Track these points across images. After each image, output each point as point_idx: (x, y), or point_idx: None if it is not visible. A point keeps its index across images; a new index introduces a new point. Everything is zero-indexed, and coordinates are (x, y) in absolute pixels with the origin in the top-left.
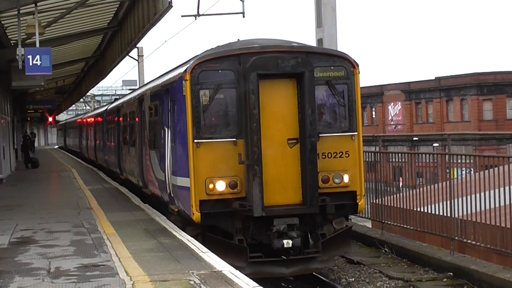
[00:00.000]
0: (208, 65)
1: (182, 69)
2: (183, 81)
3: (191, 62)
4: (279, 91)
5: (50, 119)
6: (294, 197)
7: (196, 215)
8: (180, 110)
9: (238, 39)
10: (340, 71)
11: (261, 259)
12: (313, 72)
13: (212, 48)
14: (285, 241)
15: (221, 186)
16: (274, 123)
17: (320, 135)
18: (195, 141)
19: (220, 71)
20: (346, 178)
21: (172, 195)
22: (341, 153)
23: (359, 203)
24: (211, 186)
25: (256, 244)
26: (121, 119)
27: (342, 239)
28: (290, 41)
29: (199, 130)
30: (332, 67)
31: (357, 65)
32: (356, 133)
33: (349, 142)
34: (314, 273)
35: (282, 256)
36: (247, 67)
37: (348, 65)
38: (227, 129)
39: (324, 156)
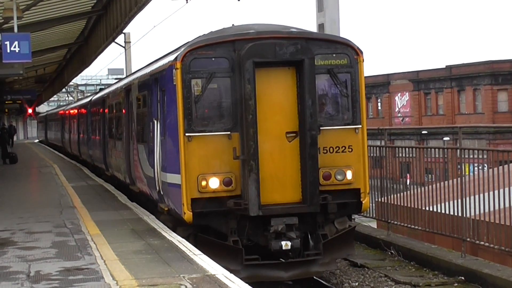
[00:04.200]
0: (200, 52)
1: (172, 57)
2: (174, 70)
3: (182, 49)
4: (277, 80)
5: (30, 110)
6: (293, 195)
7: (187, 215)
8: (170, 101)
9: (233, 25)
10: (343, 59)
11: (258, 261)
12: (314, 60)
13: (204, 34)
14: (283, 243)
15: (214, 183)
16: (271, 115)
17: (321, 128)
18: (187, 134)
19: (213, 58)
20: (349, 175)
21: (162, 193)
22: (343, 148)
23: (363, 202)
24: (203, 183)
25: (252, 246)
26: (106, 110)
27: (344, 240)
28: (289, 26)
29: (191, 123)
30: (334, 55)
31: (361, 52)
32: (360, 126)
33: (352, 135)
34: (314, 277)
35: (280, 259)
36: (242, 54)
37: (351, 52)
38: (221, 121)
39: (325, 151)
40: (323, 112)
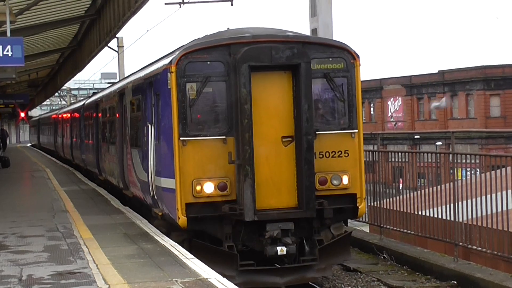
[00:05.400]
0: (195, 56)
1: (167, 60)
2: (168, 73)
3: (177, 52)
4: (273, 84)
5: (22, 114)
6: (289, 200)
7: (182, 220)
8: (164, 105)
9: (228, 28)
10: (339, 63)
11: (253, 267)
12: (310, 64)
13: (199, 38)
14: (279, 248)
15: (209, 188)
16: (267, 120)
17: (317, 132)
18: (181, 138)
19: (208, 62)
20: (345, 180)
21: (156, 198)
22: (340, 152)
23: (360, 207)
24: (198, 187)
25: (248, 251)
26: (100, 115)
27: (341, 246)
28: (285, 30)
29: (186, 127)
30: (330, 59)
31: (358, 57)
32: (356, 130)
33: (348, 140)
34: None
35: (276, 264)
36: (238, 58)
37: (347, 56)
38: (216, 125)
39: (321, 156)
40: (319, 116)
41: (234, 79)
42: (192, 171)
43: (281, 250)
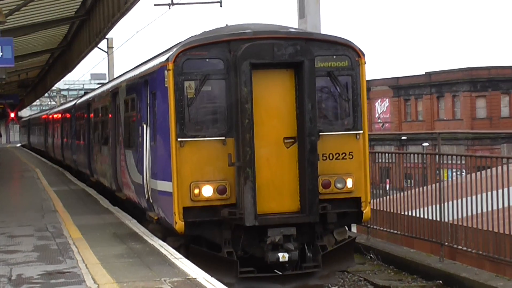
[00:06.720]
0: (193, 52)
1: (163, 58)
2: (165, 71)
3: (175, 49)
4: (275, 83)
5: (12, 115)
6: (291, 204)
7: (179, 224)
8: (161, 104)
9: (227, 25)
10: (344, 61)
11: (253, 274)
12: (314, 62)
13: (197, 34)
14: (280, 254)
15: (207, 191)
16: (268, 120)
17: (320, 133)
18: (179, 139)
19: (207, 59)
20: (349, 183)
21: (151, 201)
22: (344, 154)
23: (364, 211)
24: (196, 191)
25: (248, 258)
26: (91, 115)
27: (344, 252)
28: (287, 26)
29: (183, 127)
30: (334, 56)
31: (363, 54)
32: (361, 131)
33: (353, 141)
34: None
35: (277, 271)
36: (238, 55)
37: (352, 54)
38: (215, 126)
39: (325, 158)
40: (322, 117)
41: (234, 77)
42: (190, 174)
43: (283, 256)
